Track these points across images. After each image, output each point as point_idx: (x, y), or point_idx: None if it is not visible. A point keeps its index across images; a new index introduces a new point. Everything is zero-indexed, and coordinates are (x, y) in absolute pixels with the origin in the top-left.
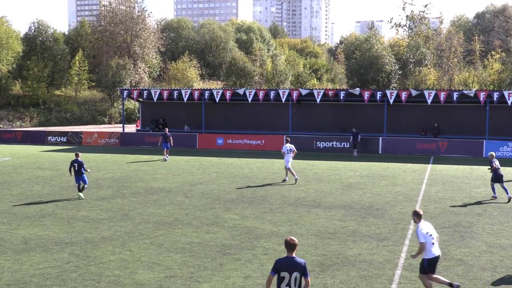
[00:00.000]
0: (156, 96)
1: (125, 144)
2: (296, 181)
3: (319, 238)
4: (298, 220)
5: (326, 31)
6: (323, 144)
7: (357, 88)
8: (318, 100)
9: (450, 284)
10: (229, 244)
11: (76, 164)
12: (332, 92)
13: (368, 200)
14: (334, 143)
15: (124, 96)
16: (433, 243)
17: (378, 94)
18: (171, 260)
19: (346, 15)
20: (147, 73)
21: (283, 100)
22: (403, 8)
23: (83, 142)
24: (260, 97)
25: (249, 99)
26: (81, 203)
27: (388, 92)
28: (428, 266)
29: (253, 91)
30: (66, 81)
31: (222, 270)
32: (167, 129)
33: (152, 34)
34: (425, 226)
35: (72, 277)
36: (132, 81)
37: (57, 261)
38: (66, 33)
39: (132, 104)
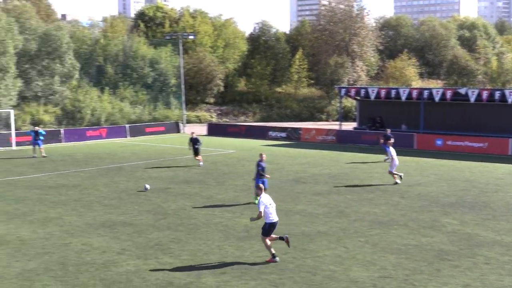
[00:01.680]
0: (374, 94)
1: (342, 141)
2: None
3: None
4: None
5: None
6: None
7: None
8: None
9: (281, 238)
10: (447, 250)
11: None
12: None
13: None
14: None
15: (342, 94)
16: (270, 213)
17: None
18: (385, 260)
19: None
20: (364, 71)
21: (509, 101)
22: None
23: (301, 138)
24: (484, 97)
25: (472, 99)
26: (299, 197)
27: None
28: (269, 229)
29: (476, 91)
30: (287, 78)
31: (439, 275)
32: (389, 130)
33: (370, 32)
34: (265, 198)
35: (290, 267)
36: (350, 79)
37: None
38: (287, 32)
39: (349, 102)
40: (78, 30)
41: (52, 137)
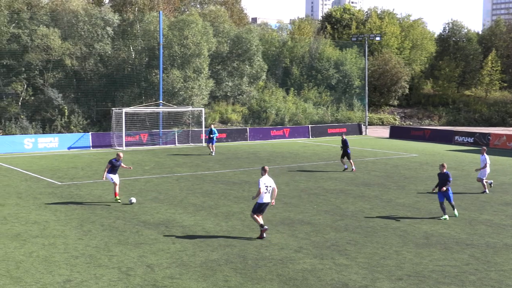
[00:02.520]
0: None
1: None
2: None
3: None
4: None
5: None
6: None
7: None
8: None
9: (261, 226)
10: None
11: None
12: None
13: None
14: None
15: None
16: (265, 192)
17: None
18: None
19: None
20: None
21: None
22: None
23: (490, 144)
24: None
25: None
26: (485, 206)
27: None
28: (258, 208)
29: None
30: (477, 81)
31: None
32: None
33: None
34: (266, 179)
35: (471, 279)
36: None
37: (456, 261)
38: (480, 32)
39: None
40: (267, 32)
41: (239, 135)
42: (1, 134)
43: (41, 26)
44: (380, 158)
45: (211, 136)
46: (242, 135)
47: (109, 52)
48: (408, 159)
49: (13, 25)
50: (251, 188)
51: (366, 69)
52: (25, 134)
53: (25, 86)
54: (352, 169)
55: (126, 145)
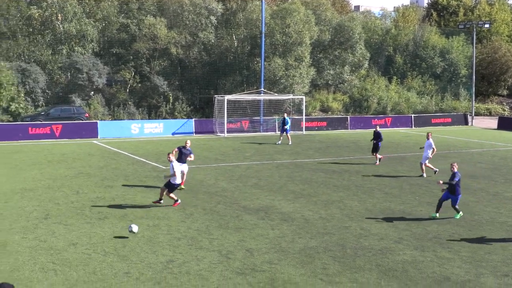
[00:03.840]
0: None
1: None
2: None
3: None
4: None
5: None
6: None
7: None
8: None
9: (158, 201)
10: None
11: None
12: None
13: None
14: None
15: None
16: (176, 176)
17: None
18: None
19: None
20: None
21: None
22: None
23: None
24: None
25: None
26: None
27: None
28: (171, 187)
29: None
30: None
31: None
32: None
33: None
34: (178, 165)
35: None
36: None
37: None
38: None
39: None
40: (370, 20)
41: (339, 124)
42: (110, 119)
43: (148, 16)
44: (487, 150)
45: (285, 127)
46: (342, 123)
47: (212, 41)
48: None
49: (122, 15)
50: (351, 177)
51: (474, 58)
52: (132, 119)
53: (133, 74)
54: (376, 162)
55: (228, 132)
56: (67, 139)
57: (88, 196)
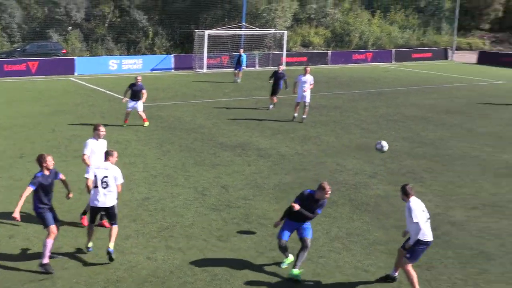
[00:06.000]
0: None
1: None
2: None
3: None
4: None
5: None
6: None
7: None
8: None
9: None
10: None
11: None
12: None
13: None
14: None
15: None
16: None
17: None
18: None
19: None
20: None
21: None
22: None
23: None
24: None
25: None
26: None
27: None
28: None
29: None
30: None
31: None
32: None
33: None
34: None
35: None
36: None
37: None
38: None
39: None
40: None
41: (319, 59)
42: (88, 55)
43: None
44: (465, 85)
45: (242, 66)
46: (323, 59)
47: None
48: (496, 86)
49: None
50: (329, 113)
51: None
52: (110, 55)
53: (112, 8)
54: (270, 106)
55: (208, 68)
56: (43, 76)
57: (63, 134)
